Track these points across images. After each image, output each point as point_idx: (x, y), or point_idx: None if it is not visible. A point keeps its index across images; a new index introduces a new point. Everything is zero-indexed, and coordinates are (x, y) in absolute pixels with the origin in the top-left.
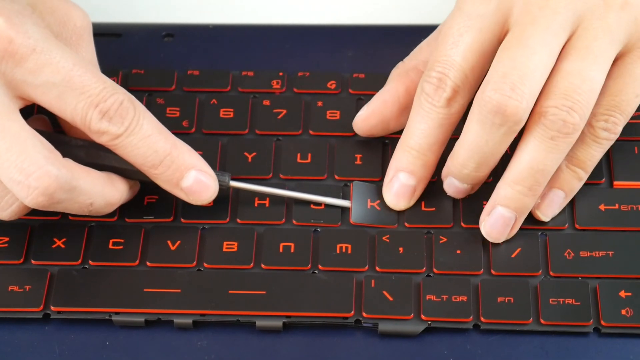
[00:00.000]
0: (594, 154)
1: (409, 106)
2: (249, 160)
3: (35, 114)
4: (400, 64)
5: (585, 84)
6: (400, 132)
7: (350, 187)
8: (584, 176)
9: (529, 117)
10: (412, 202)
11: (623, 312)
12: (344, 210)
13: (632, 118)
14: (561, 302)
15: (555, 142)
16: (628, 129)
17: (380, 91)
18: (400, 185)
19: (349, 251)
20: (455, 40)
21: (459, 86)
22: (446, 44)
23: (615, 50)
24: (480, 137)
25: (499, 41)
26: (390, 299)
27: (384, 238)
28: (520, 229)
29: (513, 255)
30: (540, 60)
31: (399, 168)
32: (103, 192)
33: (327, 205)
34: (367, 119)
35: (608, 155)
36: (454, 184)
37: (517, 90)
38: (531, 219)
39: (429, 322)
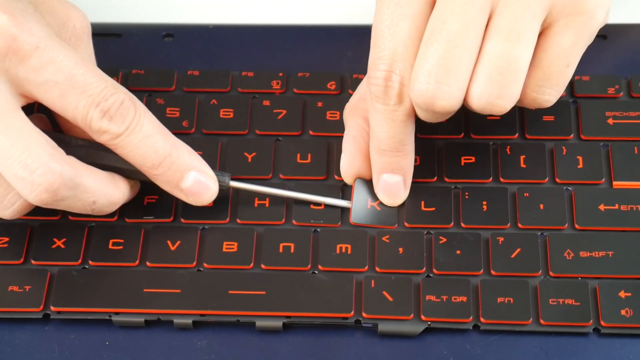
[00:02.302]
0: None
1: None
2: (249, 160)
3: (35, 113)
4: (346, 105)
5: (511, 65)
6: None
7: (353, 184)
8: None
9: None
10: (406, 194)
11: (623, 312)
12: (344, 211)
13: (631, 118)
14: (561, 303)
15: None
16: (628, 129)
17: (344, 135)
18: (388, 186)
19: (349, 251)
20: (392, 31)
21: (407, 78)
22: (383, 37)
23: (537, 23)
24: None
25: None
26: (390, 299)
27: (383, 238)
28: (520, 229)
29: (513, 256)
30: (464, 51)
31: (380, 171)
32: (106, 190)
33: (327, 206)
34: (351, 163)
35: (608, 155)
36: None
37: (443, 86)
38: (531, 219)
39: (429, 323)
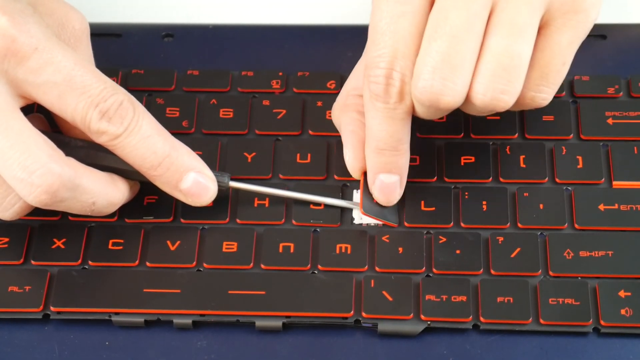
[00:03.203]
0: None
1: None
2: (249, 160)
3: (33, 113)
4: (334, 104)
5: (514, 60)
6: None
7: (361, 177)
8: None
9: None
10: (401, 193)
11: (622, 312)
12: (344, 211)
13: (631, 118)
14: (561, 302)
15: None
16: (628, 129)
17: (342, 131)
18: (384, 185)
19: (349, 251)
20: (392, 28)
21: (407, 75)
22: (383, 34)
23: (537, 19)
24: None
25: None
26: (390, 299)
27: (383, 238)
28: (520, 228)
29: (512, 255)
30: (468, 47)
31: (377, 171)
32: (105, 191)
33: (327, 206)
34: (357, 156)
35: (608, 155)
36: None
37: (448, 82)
38: (531, 219)
39: (429, 322)
